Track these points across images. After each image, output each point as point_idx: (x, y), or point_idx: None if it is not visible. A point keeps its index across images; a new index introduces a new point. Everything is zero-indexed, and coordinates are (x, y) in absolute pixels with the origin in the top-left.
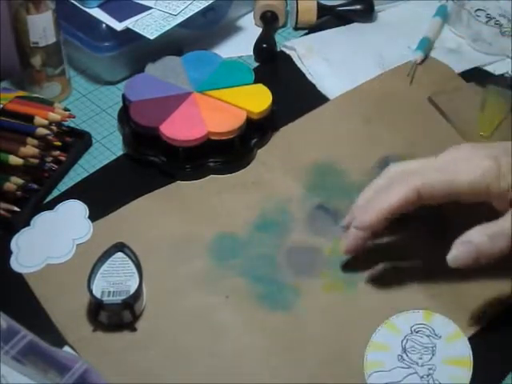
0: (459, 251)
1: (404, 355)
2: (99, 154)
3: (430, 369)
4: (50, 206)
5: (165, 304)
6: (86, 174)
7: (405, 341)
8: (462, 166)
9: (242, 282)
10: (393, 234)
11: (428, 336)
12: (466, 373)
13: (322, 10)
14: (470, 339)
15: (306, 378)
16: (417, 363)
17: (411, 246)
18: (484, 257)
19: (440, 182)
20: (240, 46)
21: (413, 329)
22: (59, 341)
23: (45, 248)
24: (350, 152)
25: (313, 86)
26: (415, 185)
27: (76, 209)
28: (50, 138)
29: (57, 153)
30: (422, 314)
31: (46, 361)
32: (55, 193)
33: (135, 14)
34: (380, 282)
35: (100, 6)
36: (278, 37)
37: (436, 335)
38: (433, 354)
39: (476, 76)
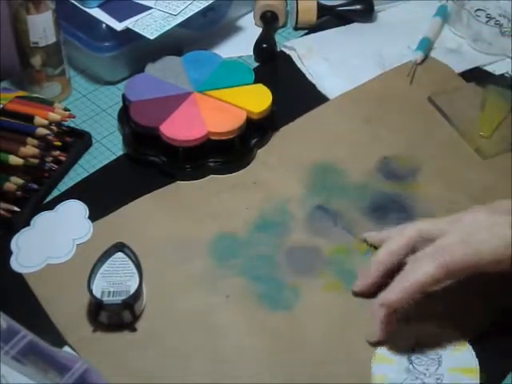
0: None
1: (410, 367)
2: (99, 154)
3: (437, 378)
4: (50, 206)
5: (165, 304)
6: (86, 174)
7: (411, 354)
8: (484, 236)
9: (242, 282)
10: None
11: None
12: (474, 381)
13: (322, 9)
14: (470, 340)
15: (306, 378)
16: (424, 374)
17: None
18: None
19: (466, 258)
20: (240, 46)
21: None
22: (59, 341)
23: (45, 248)
24: (350, 152)
25: (313, 86)
26: (444, 263)
27: (76, 209)
28: (50, 137)
29: (57, 153)
30: None
31: (46, 361)
32: (55, 193)
33: (135, 14)
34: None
35: (100, 6)
36: (278, 37)
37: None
38: (439, 365)
39: (476, 76)
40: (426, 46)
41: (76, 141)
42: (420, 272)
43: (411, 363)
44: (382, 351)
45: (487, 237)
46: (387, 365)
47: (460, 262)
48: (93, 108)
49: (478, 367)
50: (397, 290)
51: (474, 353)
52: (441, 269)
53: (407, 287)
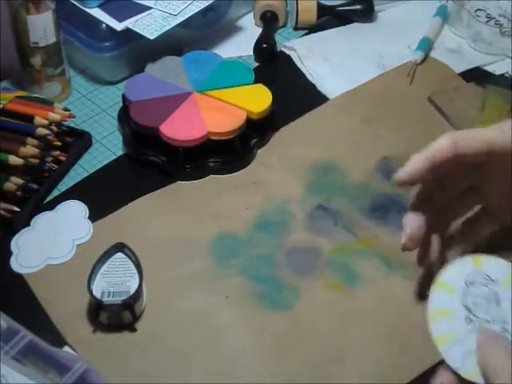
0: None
1: (471, 315)
2: (99, 154)
3: (503, 322)
4: (50, 206)
5: (165, 304)
6: (86, 174)
7: (464, 298)
8: (505, 127)
9: (242, 282)
10: None
11: (485, 285)
12: None
13: (322, 9)
14: None
15: (306, 378)
16: (487, 320)
17: None
18: None
19: (478, 134)
20: (240, 46)
21: (467, 281)
22: (59, 341)
23: (45, 248)
24: (350, 152)
25: (313, 86)
26: (454, 135)
27: (76, 209)
28: (50, 137)
29: (57, 153)
30: (471, 261)
31: (46, 361)
32: (55, 193)
33: (135, 14)
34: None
35: (100, 6)
36: (278, 37)
37: (493, 280)
38: (498, 304)
39: (476, 76)
40: (426, 45)
41: (76, 141)
42: (432, 144)
43: (470, 311)
44: (436, 305)
45: (507, 128)
46: (446, 318)
47: (469, 138)
48: (93, 108)
49: None
50: (408, 163)
51: None
52: (450, 138)
53: (417, 157)
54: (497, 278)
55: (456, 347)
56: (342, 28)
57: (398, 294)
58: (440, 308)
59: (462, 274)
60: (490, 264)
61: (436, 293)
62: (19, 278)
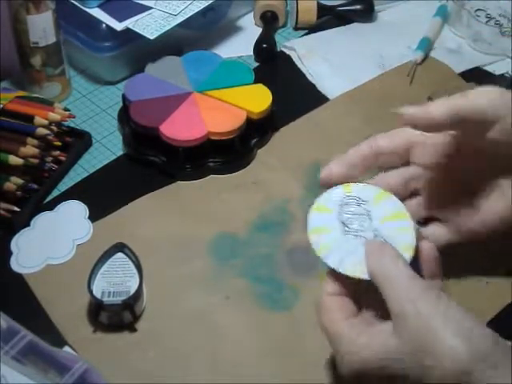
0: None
1: (346, 228)
2: (99, 154)
3: (374, 230)
4: (50, 206)
5: (165, 304)
6: (86, 174)
7: (340, 216)
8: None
9: (242, 282)
10: None
11: (358, 204)
12: (408, 222)
13: (322, 9)
14: None
15: (306, 378)
16: (361, 230)
17: None
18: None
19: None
20: (240, 46)
21: (341, 203)
22: (59, 341)
23: (45, 248)
24: None
25: (313, 86)
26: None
27: (76, 209)
28: (50, 137)
29: (57, 153)
30: (341, 188)
31: (46, 361)
32: (55, 193)
33: (135, 14)
34: None
35: (100, 6)
36: (278, 37)
37: (364, 201)
38: (370, 219)
39: (476, 76)
40: (426, 46)
41: (76, 141)
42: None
43: (345, 225)
44: (315, 224)
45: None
46: (325, 234)
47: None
48: (93, 108)
49: (406, 210)
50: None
51: (397, 199)
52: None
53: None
54: (367, 199)
55: (335, 253)
56: (342, 28)
57: None
58: (319, 226)
59: (336, 199)
60: (359, 189)
61: (314, 215)
62: (19, 277)
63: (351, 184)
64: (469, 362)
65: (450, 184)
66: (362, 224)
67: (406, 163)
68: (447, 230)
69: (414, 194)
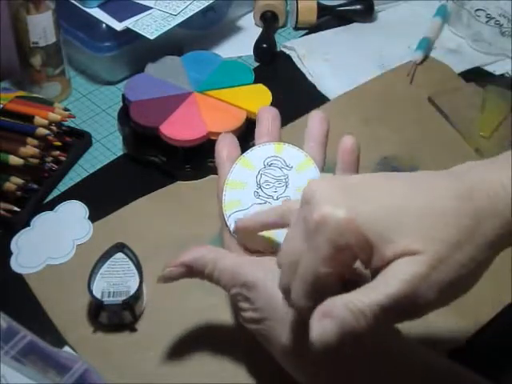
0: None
1: (259, 191)
2: (99, 154)
3: (286, 198)
4: (50, 206)
5: (165, 304)
6: (85, 174)
7: (259, 176)
8: None
9: None
10: None
11: (280, 168)
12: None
13: (322, 9)
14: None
15: (306, 378)
16: (272, 197)
17: None
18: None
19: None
20: (240, 46)
21: (266, 163)
22: (59, 341)
23: (45, 248)
24: None
25: (313, 86)
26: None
27: (76, 209)
28: (49, 137)
29: (57, 153)
30: (273, 147)
31: (46, 361)
32: (55, 193)
33: (135, 14)
34: None
35: (100, 6)
36: (278, 37)
37: (288, 166)
38: (286, 186)
39: (476, 76)
40: (426, 46)
41: (76, 141)
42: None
43: (260, 187)
44: (234, 177)
45: None
46: (239, 190)
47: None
48: (93, 108)
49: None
50: None
51: (318, 171)
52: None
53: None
54: (291, 165)
55: (239, 213)
56: (342, 28)
57: None
58: (236, 180)
59: (264, 156)
60: (289, 152)
61: (237, 167)
62: (19, 277)
63: (284, 145)
64: None
65: None
66: (276, 190)
67: None
68: None
69: None
